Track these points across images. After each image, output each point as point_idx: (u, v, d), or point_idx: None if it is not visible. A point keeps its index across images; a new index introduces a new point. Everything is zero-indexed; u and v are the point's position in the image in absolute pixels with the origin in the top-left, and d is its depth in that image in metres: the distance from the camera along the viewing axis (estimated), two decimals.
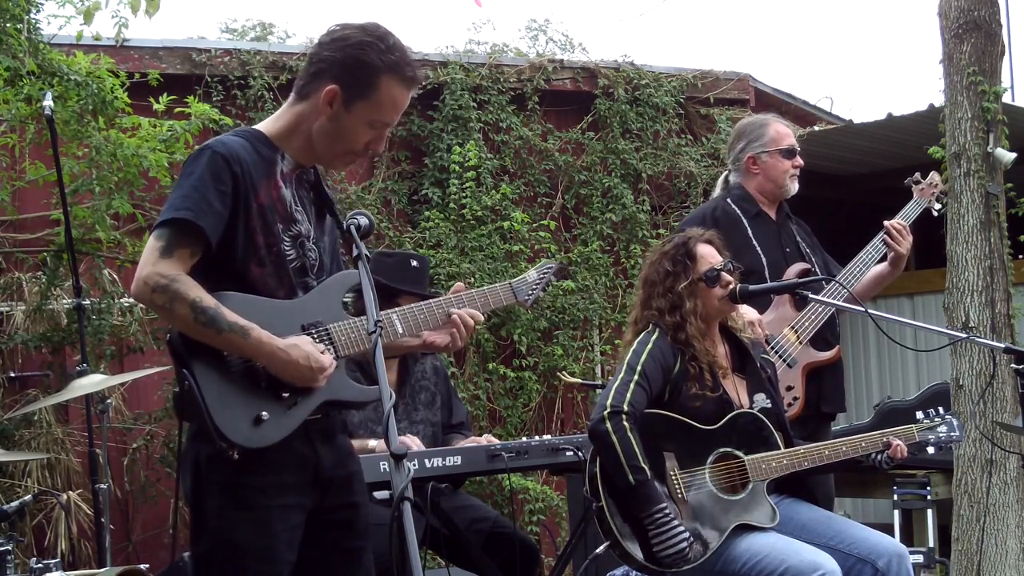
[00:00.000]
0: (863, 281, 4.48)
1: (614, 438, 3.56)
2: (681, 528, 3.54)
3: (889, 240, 4.48)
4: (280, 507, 2.84)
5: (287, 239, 2.90)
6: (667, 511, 3.54)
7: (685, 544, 3.52)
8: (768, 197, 4.58)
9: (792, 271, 4.41)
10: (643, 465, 3.54)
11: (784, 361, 4.29)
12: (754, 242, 4.46)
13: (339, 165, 3.10)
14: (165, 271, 2.71)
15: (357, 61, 2.84)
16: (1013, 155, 6.14)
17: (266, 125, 2.99)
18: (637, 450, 3.55)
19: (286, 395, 2.83)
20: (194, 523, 2.88)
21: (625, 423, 3.57)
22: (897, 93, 25.94)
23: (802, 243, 4.59)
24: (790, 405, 4.26)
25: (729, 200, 4.55)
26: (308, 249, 2.95)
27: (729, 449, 3.74)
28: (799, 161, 4.60)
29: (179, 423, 3.01)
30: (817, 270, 4.50)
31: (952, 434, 3.97)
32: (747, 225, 4.48)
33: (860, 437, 3.88)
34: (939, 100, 6.47)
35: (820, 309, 4.34)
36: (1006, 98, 6.48)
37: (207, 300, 2.73)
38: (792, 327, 4.35)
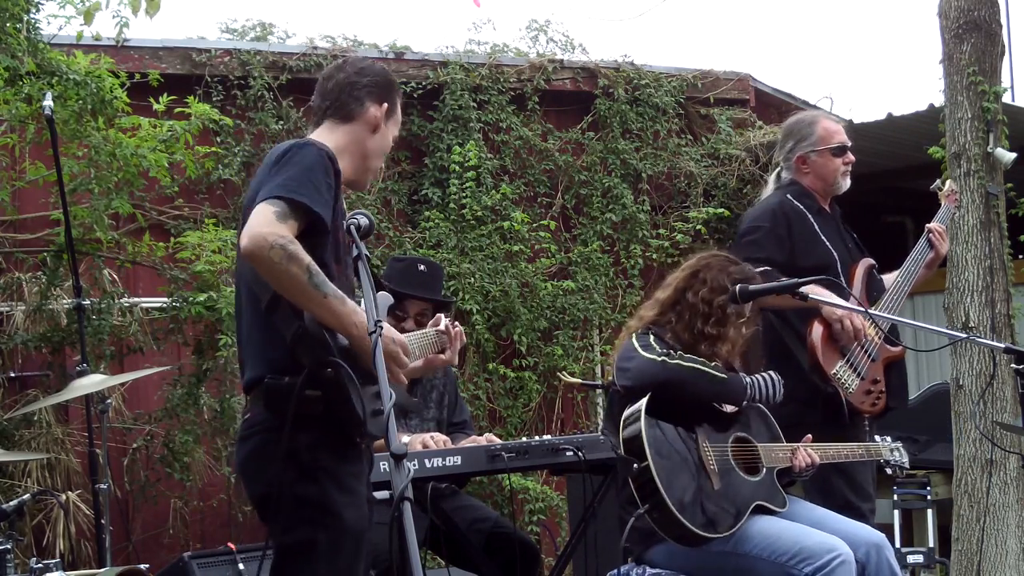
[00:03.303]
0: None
1: (683, 365, 3.72)
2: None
3: (934, 240, 4.52)
4: (365, 495, 3.02)
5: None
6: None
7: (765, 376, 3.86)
8: (820, 194, 4.55)
9: (862, 267, 4.43)
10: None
11: (869, 356, 4.31)
12: (823, 237, 4.43)
13: (368, 183, 3.36)
14: (284, 232, 2.79)
15: (389, 83, 3.25)
16: (1013, 155, 6.15)
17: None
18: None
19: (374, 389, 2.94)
20: (292, 508, 2.90)
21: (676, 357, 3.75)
22: (897, 93, 25.86)
23: (856, 238, 4.60)
24: (878, 399, 4.31)
25: (790, 196, 4.49)
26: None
27: (745, 434, 3.83)
28: (850, 158, 4.56)
29: (273, 412, 2.95)
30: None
31: (903, 460, 4.15)
32: (812, 221, 4.45)
33: (857, 445, 4.05)
34: (939, 100, 6.47)
35: (894, 303, 4.40)
36: (1006, 98, 6.49)
37: (316, 265, 2.83)
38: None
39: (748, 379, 3.88)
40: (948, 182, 4.83)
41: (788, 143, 4.58)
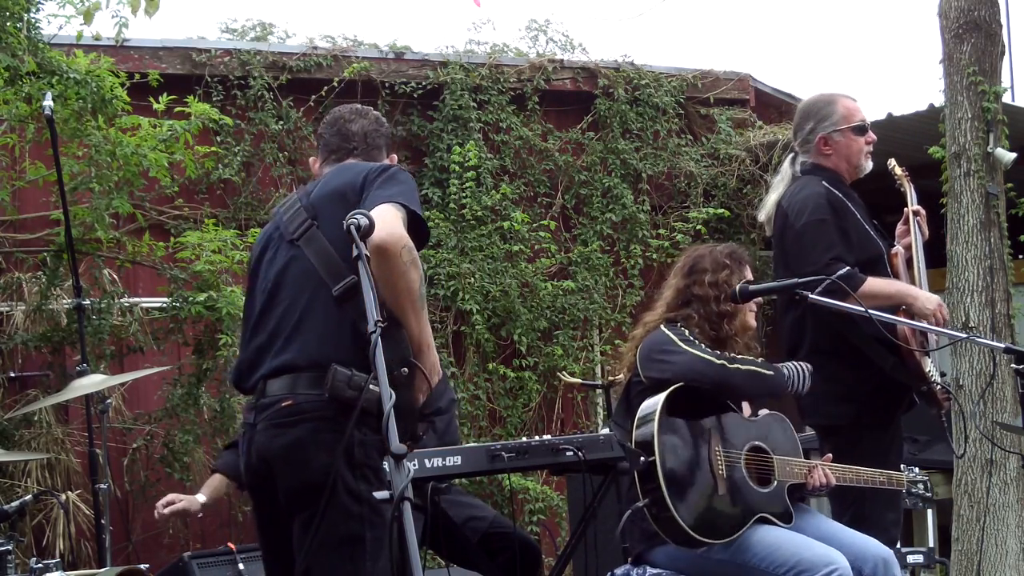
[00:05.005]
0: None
1: (741, 370, 3.71)
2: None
3: (922, 222, 4.40)
4: None
5: None
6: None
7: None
8: (846, 178, 4.32)
9: (901, 258, 4.30)
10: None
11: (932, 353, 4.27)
12: (867, 227, 4.24)
13: None
14: (409, 240, 2.96)
15: (390, 137, 3.50)
16: (1013, 155, 6.15)
17: None
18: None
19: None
20: (346, 502, 2.97)
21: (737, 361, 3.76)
22: (897, 93, 25.90)
23: (877, 224, 4.41)
24: (947, 392, 4.25)
25: (826, 184, 4.22)
26: None
27: (761, 444, 3.79)
28: (872, 137, 4.34)
29: (335, 404, 3.01)
30: None
31: (927, 493, 4.08)
32: (854, 211, 4.23)
33: (878, 472, 3.97)
34: (939, 100, 6.47)
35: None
36: (1006, 98, 6.48)
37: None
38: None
39: (786, 371, 3.87)
40: (891, 161, 4.59)
41: (807, 124, 4.32)
